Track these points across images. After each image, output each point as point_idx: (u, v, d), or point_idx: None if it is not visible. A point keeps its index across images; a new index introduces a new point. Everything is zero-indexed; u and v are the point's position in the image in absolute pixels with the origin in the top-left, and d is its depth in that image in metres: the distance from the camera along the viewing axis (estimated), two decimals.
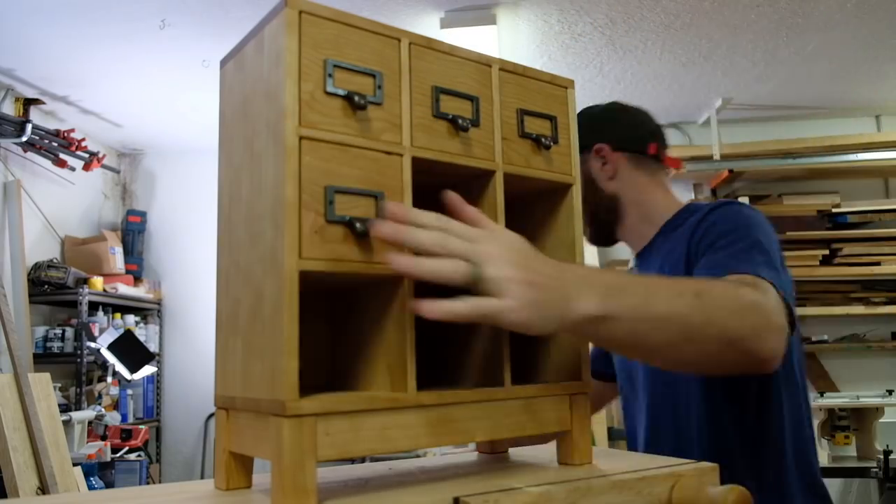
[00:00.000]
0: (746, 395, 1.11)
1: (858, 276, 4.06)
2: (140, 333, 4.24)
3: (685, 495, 0.69)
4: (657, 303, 0.74)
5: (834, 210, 4.13)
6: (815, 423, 3.03)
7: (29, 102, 3.85)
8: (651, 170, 1.31)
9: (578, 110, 1.24)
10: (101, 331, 3.96)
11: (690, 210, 1.24)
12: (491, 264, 0.63)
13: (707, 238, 1.10)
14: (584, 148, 1.22)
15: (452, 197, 0.69)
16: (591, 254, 4.24)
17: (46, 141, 3.89)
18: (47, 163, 4.00)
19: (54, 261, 4.01)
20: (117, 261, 4.36)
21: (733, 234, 1.07)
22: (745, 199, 4.12)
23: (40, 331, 3.93)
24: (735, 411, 1.11)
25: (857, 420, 3.46)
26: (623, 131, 1.31)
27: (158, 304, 4.70)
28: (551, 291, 0.66)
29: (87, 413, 3.47)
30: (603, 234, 1.34)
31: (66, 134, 3.97)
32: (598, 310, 0.69)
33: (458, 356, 0.80)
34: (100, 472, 3.26)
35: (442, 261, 0.63)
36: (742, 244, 1.04)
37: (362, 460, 2.53)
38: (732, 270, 0.97)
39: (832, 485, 2.94)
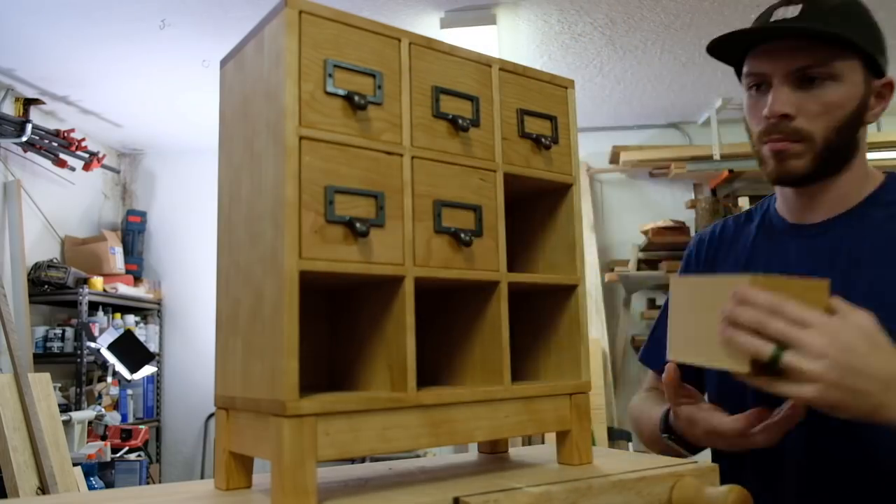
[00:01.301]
0: None
1: None
2: (140, 333, 4.24)
3: (685, 495, 0.69)
4: None
5: None
6: None
7: (29, 102, 3.85)
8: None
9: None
10: (101, 331, 3.96)
11: None
12: (800, 352, 0.68)
13: None
14: (877, 67, 0.97)
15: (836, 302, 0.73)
16: (591, 254, 4.24)
17: (46, 141, 3.89)
18: (47, 163, 4.00)
19: (54, 261, 4.01)
20: (117, 261, 4.36)
21: None
22: (744, 199, 4.12)
23: (40, 331, 3.93)
24: None
25: None
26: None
27: (158, 304, 4.69)
28: (861, 396, 0.68)
29: (87, 413, 3.47)
30: (814, 172, 0.96)
31: (66, 134, 3.97)
32: None
33: (458, 356, 0.80)
34: (100, 472, 3.26)
35: (749, 339, 0.70)
36: None
37: (362, 460, 2.53)
38: None
39: None
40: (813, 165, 0.95)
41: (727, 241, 1.13)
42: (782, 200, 1.06)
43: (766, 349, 0.69)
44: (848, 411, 0.69)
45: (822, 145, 0.94)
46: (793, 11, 0.95)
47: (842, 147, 0.96)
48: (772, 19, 0.97)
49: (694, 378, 1.06)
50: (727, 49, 1.01)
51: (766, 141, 0.97)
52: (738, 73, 1.04)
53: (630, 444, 3.90)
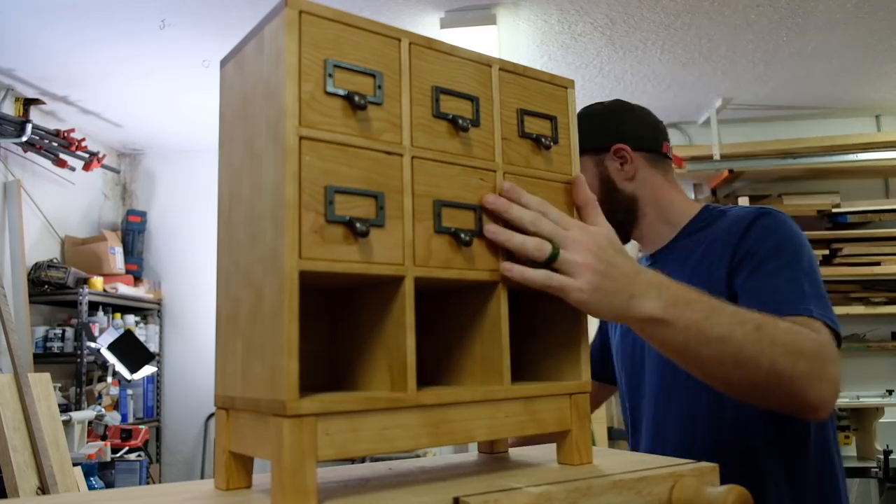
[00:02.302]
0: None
1: (858, 276, 4.05)
2: (140, 333, 4.24)
3: (685, 495, 0.69)
4: (717, 323, 0.81)
5: (834, 210, 4.12)
6: None
7: (29, 102, 3.85)
8: (665, 169, 1.29)
9: (578, 110, 1.22)
10: (101, 331, 3.96)
11: (713, 213, 1.22)
12: (571, 249, 0.74)
13: (753, 255, 1.08)
14: (601, 148, 1.26)
15: (578, 180, 0.80)
16: None
17: (46, 141, 3.89)
18: (47, 163, 4.00)
19: (54, 261, 4.01)
20: (117, 261, 4.36)
21: (781, 256, 1.06)
22: (745, 199, 4.13)
23: (40, 331, 3.93)
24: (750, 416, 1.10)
25: (858, 420, 3.46)
26: (638, 130, 1.28)
27: (158, 304, 4.70)
28: (619, 284, 0.76)
29: (87, 413, 3.47)
30: (619, 234, 1.26)
31: (66, 134, 3.97)
32: (660, 313, 0.78)
33: (458, 356, 0.80)
34: (100, 472, 3.26)
35: (529, 238, 0.73)
36: (791, 271, 1.04)
37: (362, 460, 2.54)
38: (787, 308, 0.97)
39: None
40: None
41: None
42: None
43: (545, 245, 0.73)
44: (609, 304, 0.75)
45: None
46: None
47: (614, 211, 1.22)
48: None
49: (599, 358, 1.42)
50: None
51: None
52: None
53: None
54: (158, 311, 4.72)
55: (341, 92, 0.66)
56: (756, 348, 0.83)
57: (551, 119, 0.83)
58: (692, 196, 4.37)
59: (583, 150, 1.22)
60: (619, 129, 1.28)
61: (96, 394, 3.98)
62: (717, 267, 1.12)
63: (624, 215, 1.27)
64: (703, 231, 1.20)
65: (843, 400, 3.46)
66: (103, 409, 3.66)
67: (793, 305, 0.99)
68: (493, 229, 0.72)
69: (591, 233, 0.77)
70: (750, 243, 1.10)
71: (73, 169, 4.13)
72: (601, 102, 1.34)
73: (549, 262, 0.74)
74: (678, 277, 1.13)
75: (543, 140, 0.80)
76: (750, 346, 0.83)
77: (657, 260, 1.27)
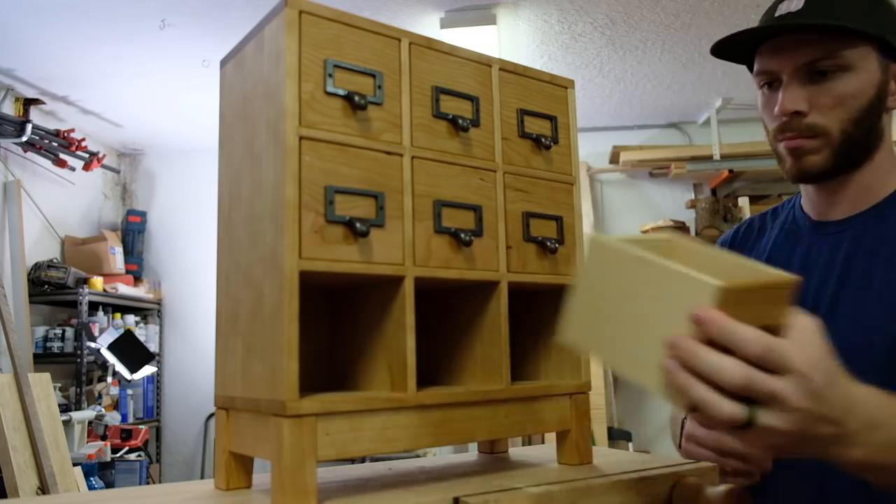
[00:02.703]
0: None
1: None
2: (140, 333, 4.24)
3: (685, 495, 0.69)
4: None
5: None
6: None
7: (29, 102, 3.85)
8: None
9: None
10: (101, 331, 3.96)
11: None
12: (774, 413, 0.55)
13: None
14: (887, 45, 0.92)
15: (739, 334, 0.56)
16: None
17: (46, 141, 3.89)
18: (47, 163, 4.00)
19: (54, 261, 4.01)
20: (117, 261, 4.36)
21: None
22: (744, 199, 4.12)
23: (40, 331, 3.93)
24: None
25: None
26: None
27: (158, 304, 4.70)
28: (817, 441, 0.58)
29: (87, 413, 3.47)
30: (834, 167, 0.93)
31: (66, 134, 3.97)
32: (863, 461, 0.61)
33: (458, 356, 0.80)
34: (100, 472, 3.26)
35: (722, 406, 0.54)
36: None
37: (362, 460, 2.53)
38: None
39: None
40: (831, 160, 0.92)
41: (750, 239, 1.10)
42: (805, 197, 1.02)
43: (740, 416, 0.54)
44: (797, 454, 0.60)
45: (840, 139, 0.91)
46: (797, 4, 0.92)
47: (862, 139, 0.92)
48: (776, 13, 0.94)
49: None
50: (733, 49, 0.98)
51: (780, 139, 0.94)
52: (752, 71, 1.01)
53: (630, 444, 3.90)
54: (158, 311, 4.71)
55: (341, 92, 0.66)
56: None
57: (551, 119, 0.83)
58: (692, 196, 4.37)
59: (877, 35, 0.91)
60: None
61: (96, 394, 3.98)
62: None
63: (863, 147, 0.93)
64: None
65: None
66: (103, 409, 3.65)
67: None
68: (671, 368, 0.55)
69: (810, 377, 0.56)
70: None
71: (73, 169, 4.13)
72: None
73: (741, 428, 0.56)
74: (874, 254, 0.89)
75: (543, 140, 0.80)
76: None
77: (855, 225, 0.94)
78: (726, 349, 0.54)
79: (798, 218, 1.03)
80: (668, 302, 0.56)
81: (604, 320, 0.60)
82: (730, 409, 0.54)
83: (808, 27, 0.90)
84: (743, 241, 1.11)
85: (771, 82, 0.96)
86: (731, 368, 0.54)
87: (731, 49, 0.98)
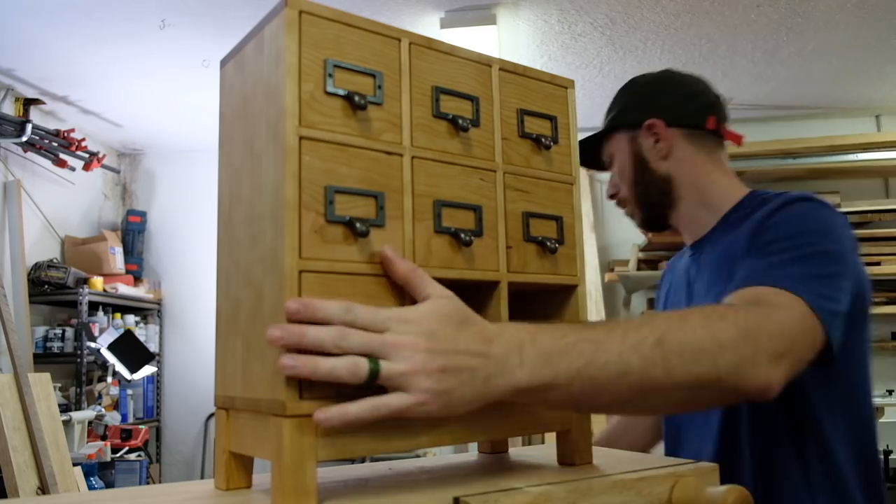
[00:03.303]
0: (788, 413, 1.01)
1: None
2: (140, 333, 4.24)
3: (685, 495, 0.69)
4: (605, 362, 0.67)
5: None
6: None
7: (29, 102, 3.85)
8: (709, 148, 1.17)
9: (627, 82, 1.27)
10: (101, 331, 3.96)
11: (757, 199, 1.10)
12: (393, 356, 0.60)
13: (764, 237, 0.97)
14: (634, 124, 1.18)
15: (386, 252, 0.65)
16: (591, 253, 4.24)
17: (46, 141, 3.89)
18: (47, 163, 4.00)
19: (54, 261, 4.01)
20: (117, 261, 4.36)
21: (795, 238, 0.95)
22: None
23: (40, 331, 3.93)
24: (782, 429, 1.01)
25: None
26: (678, 104, 1.18)
27: (158, 304, 4.70)
28: (467, 374, 0.62)
29: (87, 413, 3.47)
30: (655, 219, 1.21)
31: (66, 134, 3.97)
32: (529, 381, 0.64)
33: None
34: (100, 472, 3.26)
35: (339, 360, 0.58)
36: (798, 252, 0.92)
37: (362, 460, 2.54)
38: (765, 282, 0.87)
39: None
40: (644, 215, 1.22)
41: (673, 267, 1.32)
42: None
43: (363, 366, 0.58)
44: (461, 400, 0.62)
45: (636, 200, 1.21)
46: (603, 123, 1.26)
47: (649, 192, 1.19)
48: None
49: None
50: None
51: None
52: None
53: None
54: (158, 311, 4.72)
55: (341, 92, 0.66)
56: (662, 368, 0.69)
57: (551, 119, 0.83)
58: None
59: (617, 126, 1.21)
60: (655, 104, 1.18)
61: (96, 394, 3.98)
62: (739, 257, 0.99)
63: (658, 198, 1.18)
64: (744, 220, 1.06)
65: None
66: (103, 409, 3.66)
67: (770, 279, 0.87)
68: (288, 363, 0.57)
69: (415, 321, 0.61)
70: (769, 227, 0.98)
71: (73, 169, 4.13)
72: (648, 73, 1.25)
73: (373, 382, 0.59)
74: (711, 272, 1.10)
75: (543, 140, 0.80)
76: (653, 368, 0.69)
77: (696, 250, 1.17)
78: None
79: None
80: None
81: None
82: (348, 361, 0.58)
83: (587, 142, 1.24)
84: (669, 271, 1.35)
85: None
86: (323, 330, 0.58)
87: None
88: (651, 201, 1.19)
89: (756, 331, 0.76)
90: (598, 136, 1.25)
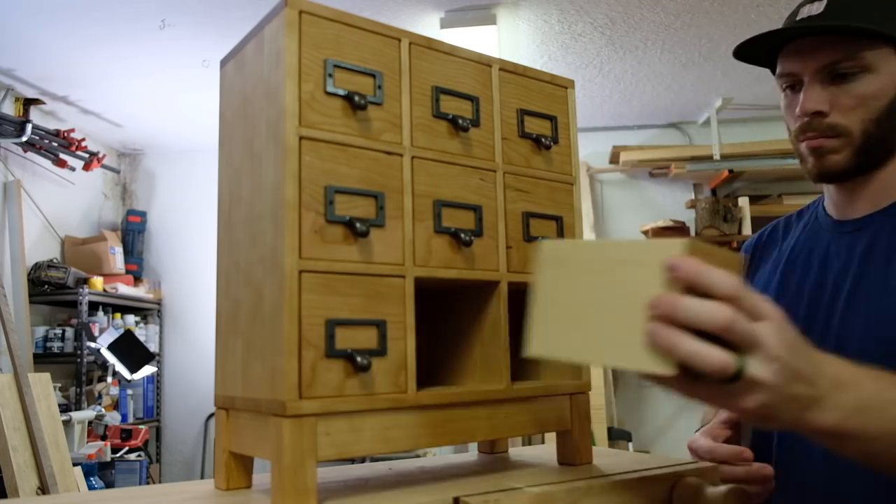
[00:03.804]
0: None
1: None
2: (140, 333, 4.24)
3: (685, 495, 0.69)
4: None
5: None
6: None
7: (29, 102, 3.85)
8: None
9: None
10: (101, 331, 3.96)
11: None
12: (759, 360, 0.55)
13: None
14: None
15: (699, 269, 0.56)
16: None
17: (46, 141, 3.89)
18: (47, 163, 4.00)
19: (54, 261, 4.01)
20: (117, 261, 4.36)
21: None
22: (744, 199, 4.12)
23: (40, 331, 3.93)
24: None
25: None
26: None
27: (158, 304, 4.70)
28: (792, 399, 0.58)
29: (87, 413, 3.47)
30: (860, 168, 0.94)
31: (66, 134, 3.97)
32: (837, 426, 0.60)
33: (458, 356, 0.80)
34: (100, 472, 3.26)
35: (710, 352, 0.53)
36: None
37: (362, 460, 2.54)
38: None
39: None
40: (853, 160, 0.93)
41: (775, 240, 1.11)
42: (827, 197, 1.04)
43: (731, 365, 0.54)
44: (777, 420, 0.59)
45: (861, 138, 0.92)
46: (818, 7, 0.94)
47: (883, 138, 0.93)
48: (797, 17, 0.96)
49: None
50: (755, 52, 1.00)
51: (802, 139, 0.96)
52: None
53: (630, 444, 3.90)
54: (158, 311, 4.72)
55: (341, 92, 0.66)
56: None
57: (551, 119, 0.83)
58: (692, 196, 4.37)
59: (889, 39, 0.92)
60: None
61: (96, 394, 3.98)
62: None
63: (887, 147, 0.94)
64: None
65: None
66: (103, 409, 3.65)
67: None
68: (654, 330, 0.53)
69: (784, 326, 0.57)
70: None
71: (73, 169, 4.13)
72: None
73: (729, 382, 0.56)
74: (891, 251, 0.90)
75: (543, 140, 0.80)
76: None
77: (874, 223, 0.95)
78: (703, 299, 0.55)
79: (820, 218, 1.04)
80: (639, 275, 0.56)
81: (573, 321, 0.59)
82: (720, 356, 0.54)
83: (829, 29, 0.91)
84: (768, 244, 1.12)
85: (793, 84, 0.98)
86: (713, 308, 0.54)
87: (753, 52, 1.00)
88: (879, 148, 0.94)
89: None
90: (850, 29, 0.92)
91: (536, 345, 0.61)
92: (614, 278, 0.57)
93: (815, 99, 0.93)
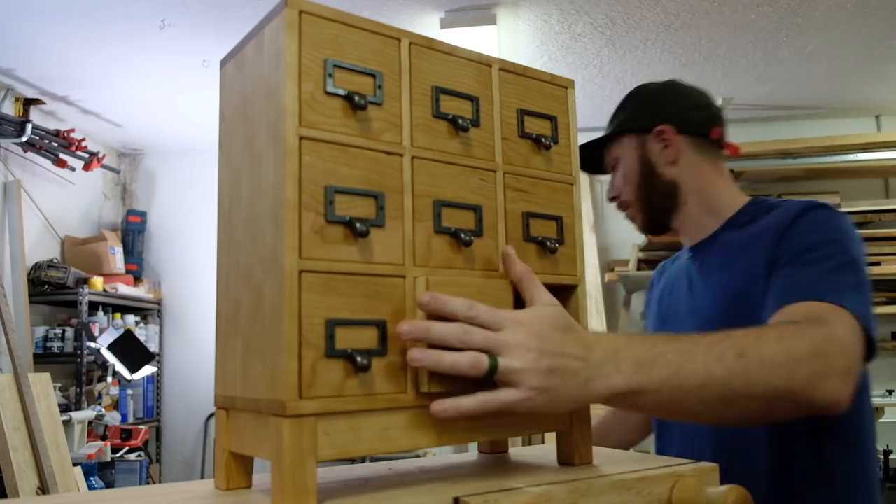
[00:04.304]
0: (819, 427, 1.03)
1: None
2: (140, 333, 4.24)
3: (685, 495, 0.69)
4: (692, 371, 0.73)
5: None
6: None
7: (29, 102, 3.85)
8: (713, 156, 1.23)
9: (634, 89, 1.29)
10: (101, 331, 3.96)
11: (762, 206, 1.15)
12: (508, 354, 0.65)
13: (793, 246, 1.02)
14: (643, 129, 1.23)
15: (508, 251, 0.73)
16: (591, 254, 4.24)
17: (46, 141, 3.89)
18: (47, 163, 4.00)
19: (54, 261, 4.01)
20: (117, 261, 4.36)
21: (824, 248, 0.99)
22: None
23: (40, 331, 3.93)
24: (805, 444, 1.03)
25: None
26: (686, 113, 1.23)
27: (158, 304, 4.70)
28: (570, 375, 0.67)
29: (87, 413, 3.47)
30: (657, 222, 1.25)
31: (66, 134, 3.97)
32: (624, 386, 0.70)
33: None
34: (100, 472, 3.26)
35: (461, 355, 0.64)
36: (832, 262, 0.97)
37: (362, 460, 2.54)
38: (812, 296, 0.92)
39: None
40: (648, 218, 1.25)
41: (670, 272, 1.33)
42: None
43: (482, 359, 0.64)
44: (564, 399, 0.67)
45: (640, 203, 1.24)
46: (609, 126, 1.29)
47: (654, 197, 1.23)
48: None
49: None
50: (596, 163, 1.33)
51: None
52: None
53: None
54: (158, 311, 4.72)
55: (341, 92, 0.66)
56: (744, 379, 0.75)
57: (551, 119, 0.83)
58: None
59: (625, 130, 1.25)
60: (665, 111, 1.23)
61: (96, 394, 3.98)
62: (756, 260, 1.05)
63: (663, 201, 1.23)
64: (749, 224, 1.13)
65: None
66: (103, 409, 3.66)
67: (815, 293, 0.93)
68: (416, 356, 0.64)
69: (527, 323, 0.67)
70: (795, 235, 1.03)
71: (73, 169, 4.13)
72: (654, 82, 1.30)
73: (491, 376, 0.65)
74: (717, 271, 1.15)
75: (543, 140, 0.80)
76: (736, 379, 0.75)
77: (698, 252, 1.21)
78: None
79: (685, 247, 1.31)
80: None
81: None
82: (469, 354, 0.64)
83: (596, 143, 1.29)
84: (654, 285, 1.39)
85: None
86: (449, 327, 0.64)
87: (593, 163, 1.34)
88: (655, 204, 1.23)
89: (825, 348, 0.82)
90: (603, 139, 1.28)
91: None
92: None
93: (609, 188, 1.30)
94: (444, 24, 3.10)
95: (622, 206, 1.27)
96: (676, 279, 1.27)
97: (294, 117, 0.63)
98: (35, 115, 3.90)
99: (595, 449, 0.81)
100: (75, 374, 3.89)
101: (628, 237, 4.29)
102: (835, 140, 4.10)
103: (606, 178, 1.31)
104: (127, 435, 3.71)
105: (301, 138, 0.63)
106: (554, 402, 0.67)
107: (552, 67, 3.61)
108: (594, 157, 1.31)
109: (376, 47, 0.69)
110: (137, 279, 4.60)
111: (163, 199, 4.85)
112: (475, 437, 0.72)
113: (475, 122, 0.75)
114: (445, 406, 0.64)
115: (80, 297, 3.90)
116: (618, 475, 0.70)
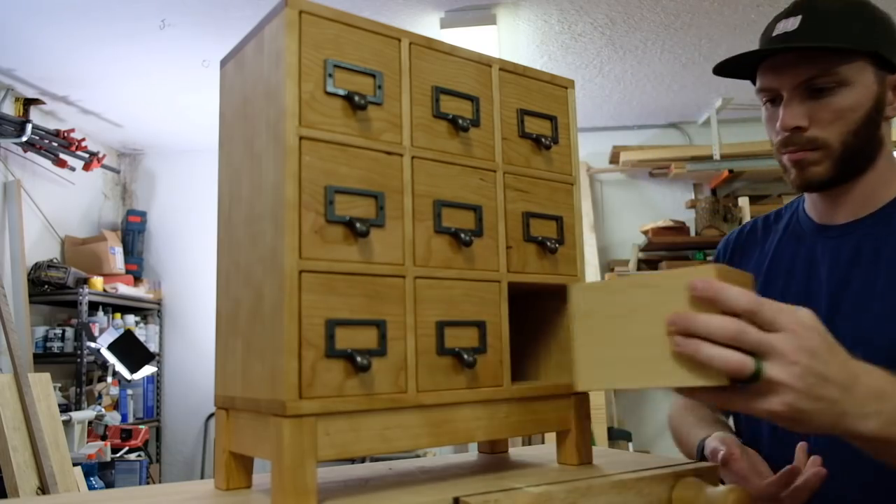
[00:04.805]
0: None
1: None
2: (140, 333, 4.24)
3: (685, 495, 0.69)
4: None
5: None
6: None
7: (29, 102, 3.85)
8: None
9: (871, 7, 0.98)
10: (101, 331, 3.96)
11: None
12: (777, 362, 0.59)
13: None
14: (885, 64, 0.96)
15: (722, 290, 0.61)
16: (591, 253, 4.24)
17: (46, 141, 3.89)
18: (47, 163, 4.00)
19: (54, 261, 4.01)
20: (117, 261, 4.36)
21: None
22: (744, 200, 4.12)
23: (40, 331, 3.93)
24: None
25: None
26: None
27: (158, 304, 4.69)
28: (827, 404, 0.61)
29: (87, 413, 3.47)
30: (839, 179, 0.97)
31: (66, 134, 3.96)
32: (877, 433, 0.63)
33: None
34: (100, 472, 3.26)
35: (729, 355, 0.58)
36: None
37: (362, 460, 2.54)
38: None
39: None
40: (833, 171, 0.96)
41: (753, 241, 1.13)
42: (809, 201, 1.06)
43: (749, 364, 0.58)
44: (811, 423, 0.62)
45: (840, 150, 0.95)
46: (793, 24, 0.96)
47: (862, 148, 0.96)
48: (774, 33, 0.98)
49: None
50: (735, 68, 1.02)
51: (783, 152, 0.98)
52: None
53: (630, 444, 3.90)
54: (158, 311, 4.71)
55: (341, 92, 0.66)
56: None
57: (551, 119, 0.83)
58: (692, 196, 4.37)
59: (874, 55, 0.95)
60: None
61: (96, 394, 3.97)
62: None
63: (865, 156, 0.97)
64: None
65: None
66: (103, 409, 3.65)
67: None
68: (677, 341, 0.59)
69: (803, 336, 0.60)
70: None
71: (73, 169, 4.13)
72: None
73: (749, 382, 0.60)
74: (877, 258, 0.94)
75: (543, 140, 0.80)
76: None
77: (859, 228, 0.98)
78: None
79: (802, 221, 1.06)
80: (667, 301, 0.61)
81: (614, 352, 0.64)
82: (737, 355, 0.58)
83: (802, 48, 0.94)
84: (746, 243, 1.14)
85: (773, 98, 0.99)
86: (722, 321, 0.58)
87: (733, 68, 1.02)
88: (854, 155, 0.96)
89: None
90: (832, 48, 0.94)
91: (584, 381, 0.66)
92: (646, 308, 0.62)
93: (795, 114, 0.95)
94: (444, 24, 3.10)
95: (804, 144, 0.96)
96: (800, 256, 1.04)
97: (294, 117, 0.63)
98: (35, 115, 3.90)
99: (595, 449, 0.81)
100: (75, 374, 3.89)
101: (628, 237, 4.30)
102: None
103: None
104: (127, 435, 3.71)
105: (301, 138, 0.63)
106: (800, 424, 0.62)
107: (552, 67, 3.61)
108: (748, 64, 1.00)
109: (376, 47, 0.69)
110: (137, 279, 4.59)
111: (163, 199, 4.85)
112: (475, 437, 0.72)
113: (475, 122, 0.75)
114: (714, 393, 0.61)
115: (80, 297, 3.90)
116: (618, 475, 0.70)
